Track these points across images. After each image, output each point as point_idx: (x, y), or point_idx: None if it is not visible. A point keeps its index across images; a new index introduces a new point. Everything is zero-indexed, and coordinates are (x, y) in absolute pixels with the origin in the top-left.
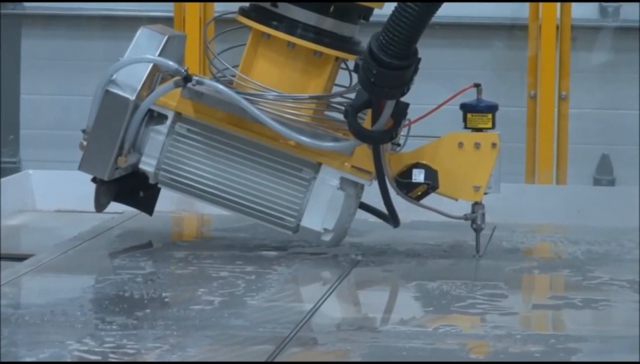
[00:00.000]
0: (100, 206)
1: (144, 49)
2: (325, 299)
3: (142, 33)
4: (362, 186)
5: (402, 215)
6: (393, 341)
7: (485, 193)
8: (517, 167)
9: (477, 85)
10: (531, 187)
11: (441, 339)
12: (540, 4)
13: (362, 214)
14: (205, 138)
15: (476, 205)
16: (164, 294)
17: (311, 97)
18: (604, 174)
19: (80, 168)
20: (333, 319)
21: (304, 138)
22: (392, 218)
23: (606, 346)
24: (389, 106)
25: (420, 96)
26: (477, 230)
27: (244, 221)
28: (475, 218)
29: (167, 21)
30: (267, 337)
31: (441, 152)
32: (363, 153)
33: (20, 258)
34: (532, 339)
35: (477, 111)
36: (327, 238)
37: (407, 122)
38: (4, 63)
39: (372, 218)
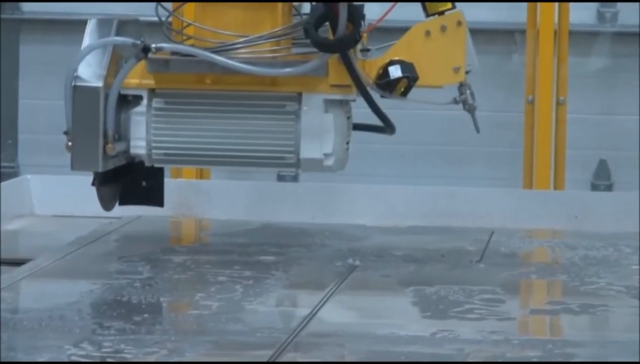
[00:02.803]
0: (106, 204)
1: (98, 37)
2: (323, 304)
3: (91, 23)
4: (347, 103)
5: (399, 221)
6: (391, 346)
7: (466, 72)
8: (515, 172)
9: None
10: (529, 192)
11: (439, 344)
12: (538, 9)
13: (359, 218)
14: (184, 105)
15: (462, 86)
16: (162, 299)
17: (272, 34)
18: (602, 179)
19: (73, 167)
20: (331, 325)
21: (277, 71)
22: (386, 125)
23: (604, 351)
24: (343, 9)
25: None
26: (471, 110)
27: (242, 226)
28: (465, 99)
29: None
30: (264, 342)
31: (411, 47)
32: (338, 70)
33: (18, 263)
34: (529, 344)
35: None
36: (330, 162)
37: (368, 26)
38: (2, 68)
39: (370, 223)
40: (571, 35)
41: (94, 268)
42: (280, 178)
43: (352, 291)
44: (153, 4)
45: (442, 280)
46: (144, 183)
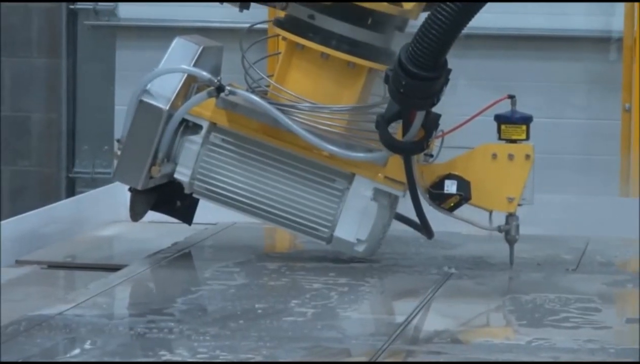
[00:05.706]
0: (135, 215)
1: (178, 59)
2: (418, 311)
3: (177, 43)
4: (395, 197)
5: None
6: (486, 354)
7: (519, 205)
8: (612, 180)
9: (512, 97)
10: (625, 200)
11: (534, 352)
12: (636, 16)
13: (454, 227)
14: (239, 148)
15: (510, 216)
16: (256, 305)
17: (343, 108)
18: None
19: (114, 177)
20: (425, 332)
21: (336, 149)
22: (425, 229)
23: None
24: (419, 117)
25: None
26: (511, 242)
27: None
28: (509, 229)
29: (263, 33)
30: (359, 349)
31: (474, 163)
32: (396, 164)
33: (113, 269)
34: (625, 353)
35: (511, 122)
36: (360, 248)
37: (440, 133)
38: (99, 74)
39: (464, 231)
40: None
41: (189, 275)
42: None
43: (448, 299)
44: (246, 11)
45: (538, 288)
46: (178, 203)
